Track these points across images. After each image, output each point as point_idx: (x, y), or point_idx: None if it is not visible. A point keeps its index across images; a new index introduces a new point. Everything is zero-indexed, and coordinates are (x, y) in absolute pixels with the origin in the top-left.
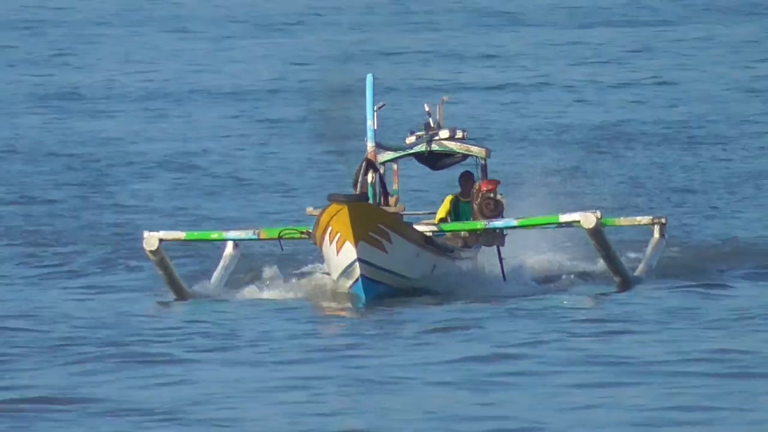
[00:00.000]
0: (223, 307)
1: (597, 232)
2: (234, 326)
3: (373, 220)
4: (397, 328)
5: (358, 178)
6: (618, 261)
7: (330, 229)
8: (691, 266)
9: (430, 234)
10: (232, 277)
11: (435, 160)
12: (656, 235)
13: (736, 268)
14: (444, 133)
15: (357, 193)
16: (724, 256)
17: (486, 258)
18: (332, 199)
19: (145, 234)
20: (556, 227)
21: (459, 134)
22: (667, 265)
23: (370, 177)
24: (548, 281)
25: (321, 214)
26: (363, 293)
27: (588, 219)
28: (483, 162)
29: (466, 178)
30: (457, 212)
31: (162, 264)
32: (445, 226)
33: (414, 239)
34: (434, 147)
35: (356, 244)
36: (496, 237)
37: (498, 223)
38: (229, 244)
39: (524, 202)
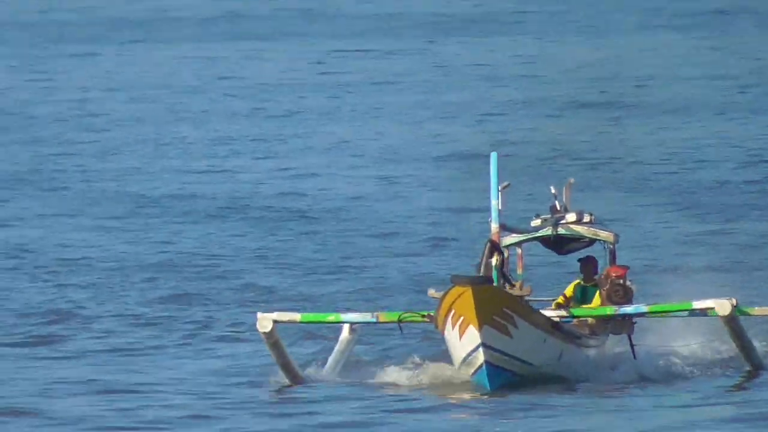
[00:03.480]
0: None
1: (732, 320)
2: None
3: (497, 304)
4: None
5: (481, 261)
6: (752, 349)
7: (453, 312)
8: None
9: (558, 319)
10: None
11: (561, 244)
12: None
13: None
14: (571, 217)
15: (481, 275)
16: None
17: (614, 346)
18: (455, 281)
19: (259, 315)
20: (689, 314)
21: (586, 218)
22: None
23: (494, 260)
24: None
25: (443, 296)
26: (487, 381)
27: (723, 306)
28: (611, 247)
29: (588, 263)
30: (581, 298)
31: (275, 347)
32: (575, 311)
33: (540, 324)
34: (561, 231)
35: (480, 328)
36: (625, 325)
37: (628, 309)
38: (345, 328)
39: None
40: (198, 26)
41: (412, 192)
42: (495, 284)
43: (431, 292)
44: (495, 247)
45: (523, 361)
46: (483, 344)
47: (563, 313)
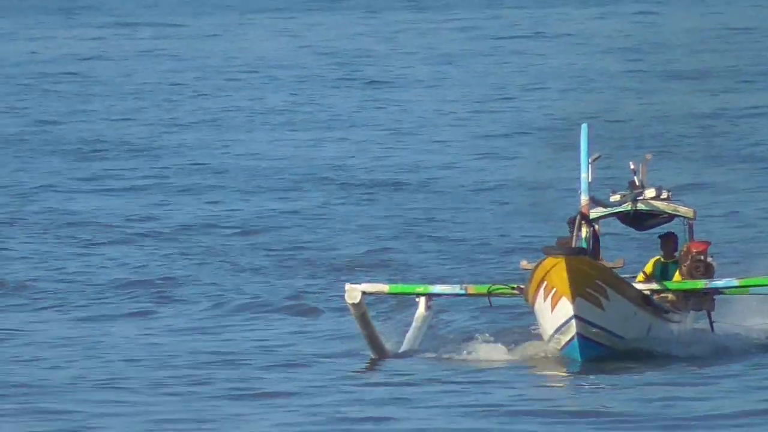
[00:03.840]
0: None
1: None
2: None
3: (591, 275)
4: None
5: (572, 232)
6: None
7: (545, 284)
8: None
9: (648, 293)
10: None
11: (640, 220)
12: None
13: None
14: (650, 192)
15: (574, 246)
16: None
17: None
18: (548, 252)
19: (347, 286)
20: None
21: (664, 194)
22: None
23: (584, 232)
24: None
25: (535, 268)
26: (579, 353)
27: None
28: (690, 223)
29: (669, 239)
30: (662, 275)
31: (363, 319)
32: (668, 284)
33: (632, 297)
34: (640, 206)
35: (573, 300)
36: (706, 301)
37: (719, 283)
38: (422, 303)
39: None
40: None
41: (499, 163)
42: (588, 255)
43: (524, 263)
44: (585, 219)
45: (614, 334)
46: (576, 316)
47: (655, 286)
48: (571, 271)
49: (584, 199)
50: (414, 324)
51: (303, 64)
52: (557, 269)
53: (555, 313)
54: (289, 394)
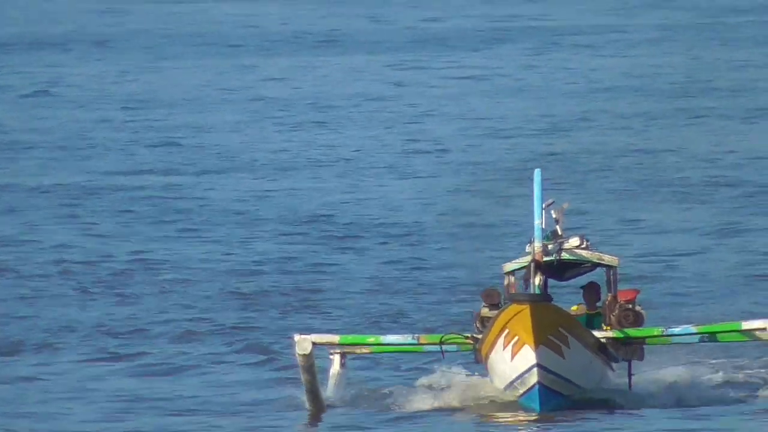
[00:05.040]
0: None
1: None
2: None
3: (554, 323)
4: None
5: (527, 280)
6: None
7: (507, 331)
8: None
9: (604, 340)
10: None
11: (562, 270)
12: None
13: None
14: (574, 241)
15: (539, 293)
16: None
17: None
18: (513, 298)
19: (297, 337)
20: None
21: (585, 243)
22: None
23: (537, 279)
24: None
25: (498, 314)
26: (538, 403)
27: None
28: (614, 272)
29: (592, 289)
30: (587, 325)
31: (310, 371)
32: (628, 331)
33: (590, 345)
34: (565, 255)
35: (536, 348)
36: (635, 351)
37: (676, 330)
38: (336, 360)
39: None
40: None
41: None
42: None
43: (484, 311)
44: (539, 267)
45: (572, 383)
46: (537, 365)
47: (611, 334)
48: (535, 318)
49: (538, 245)
50: (330, 381)
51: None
52: (521, 316)
53: (515, 362)
54: None
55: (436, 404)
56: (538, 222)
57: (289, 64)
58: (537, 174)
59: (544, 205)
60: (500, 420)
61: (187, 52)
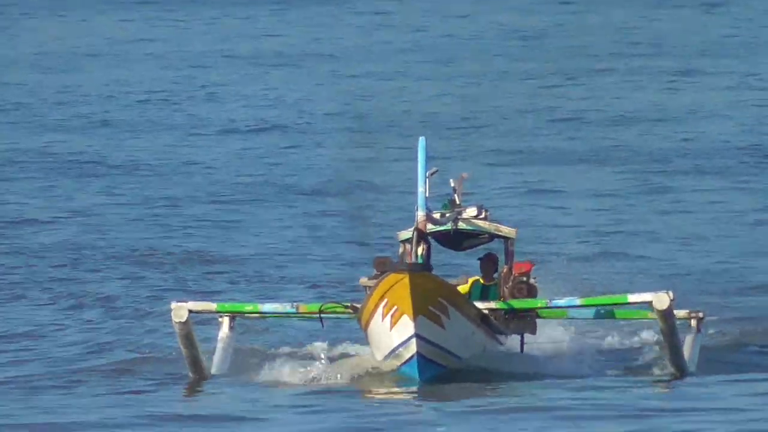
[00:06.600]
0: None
1: (669, 315)
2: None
3: (434, 293)
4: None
5: (410, 249)
6: (680, 349)
7: (386, 301)
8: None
9: (486, 312)
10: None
11: (459, 240)
12: (693, 329)
13: None
14: (471, 211)
15: (419, 263)
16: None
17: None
18: (392, 267)
19: (173, 304)
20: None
21: (483, 213)
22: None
23: (421, 249)
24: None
25: (377, 284)
26: (417, 373)
27: (661, 300)
28: (511, 243)
29: (489, 261)
30: (482, 297)
31: (188, 338)
32: (512, 302)
33: (471, 316)
34: (461, 225)
35: (415, 319)
36: (528, 324)
37: (561, 301)
38: (225, 323)
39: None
40: None
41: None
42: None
43: (363, 280)
44: (422, 236)
45: (453, 354)
46: (416, 335)
47: (493, 305)
48: (414, 288)
49: (421, 214)
50: (219, 345)
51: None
52: (400, 286)
53: (393, 333)
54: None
55: (316, 377)
56: (422, 189)
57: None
58: (421, 141)
59: (428, 173)
60: (380, 395)
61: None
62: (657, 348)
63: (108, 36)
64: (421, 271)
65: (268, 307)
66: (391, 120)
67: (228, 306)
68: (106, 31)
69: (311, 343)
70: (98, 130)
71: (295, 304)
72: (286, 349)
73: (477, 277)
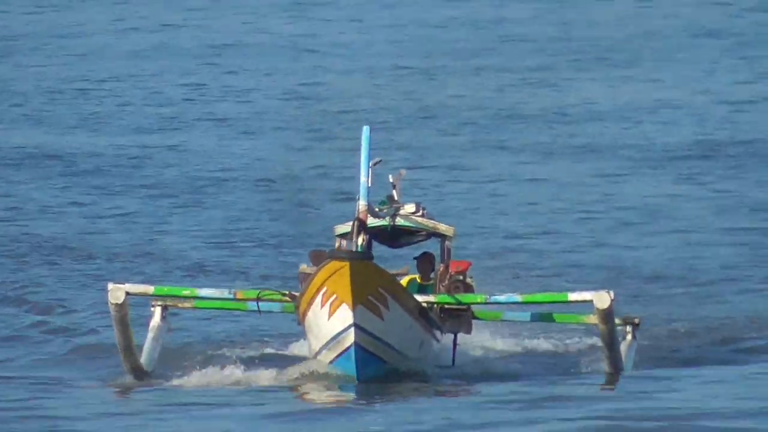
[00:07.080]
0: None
1: (609, 315)
2: None
3: (374, 282)
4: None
5: (346, 244)
6: (618, 350)
7: (325, 289)
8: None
9: (426, 305)
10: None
11: (396, 237)
12: (629, 337)
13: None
14: (410, 208)
15: (360, 251)
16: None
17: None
18: (332, 255)
19: (110, 286)
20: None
21: (421, 211)
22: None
23: (360, 239)
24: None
25: (316, 272)
26: (354, 365)
27: (602, 299)
28: (449, 241)
29: (426, 259)
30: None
31: (122, 322)
32: (460, 297)
33: (410, 308)
34: (399, 221)
35: (354, 308)
36: (462, 323)
37: (500, 297)
38: (157, 313)
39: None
40: None
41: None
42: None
43: (303, 267)
44: (362, 227)
45: (391, 347)
46: (355, 325)
47: (432, 298)
48: (354, 276)
49: (362, 204)
50: (149, 335)
51: None
52: (340, 274)
53: (332, 321)
54: None
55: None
56: (365, 180)
57: None
58: (365, 131)
59: (371, 164)
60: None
61: None
62: (592, 352)
63: (36, 26)
64: (361, 259)
65: (205, 291)
66: (340, 112)
67: (166, 289)
68: (34, 21)
69: (239, 343)
70: (28, 123)
71: (233, 290)
72: (215, 348)
73: (414, 276)
